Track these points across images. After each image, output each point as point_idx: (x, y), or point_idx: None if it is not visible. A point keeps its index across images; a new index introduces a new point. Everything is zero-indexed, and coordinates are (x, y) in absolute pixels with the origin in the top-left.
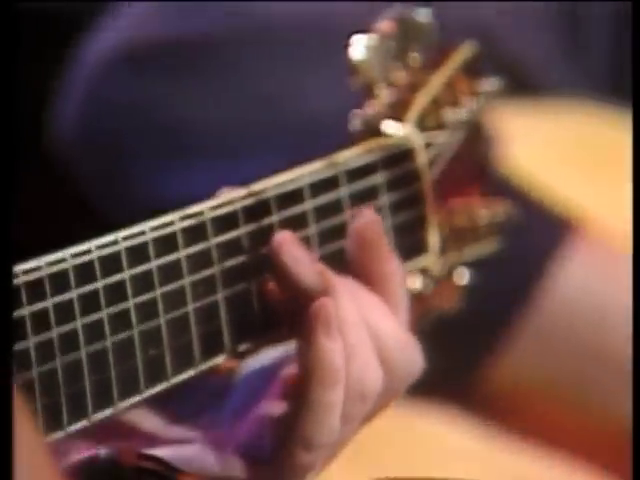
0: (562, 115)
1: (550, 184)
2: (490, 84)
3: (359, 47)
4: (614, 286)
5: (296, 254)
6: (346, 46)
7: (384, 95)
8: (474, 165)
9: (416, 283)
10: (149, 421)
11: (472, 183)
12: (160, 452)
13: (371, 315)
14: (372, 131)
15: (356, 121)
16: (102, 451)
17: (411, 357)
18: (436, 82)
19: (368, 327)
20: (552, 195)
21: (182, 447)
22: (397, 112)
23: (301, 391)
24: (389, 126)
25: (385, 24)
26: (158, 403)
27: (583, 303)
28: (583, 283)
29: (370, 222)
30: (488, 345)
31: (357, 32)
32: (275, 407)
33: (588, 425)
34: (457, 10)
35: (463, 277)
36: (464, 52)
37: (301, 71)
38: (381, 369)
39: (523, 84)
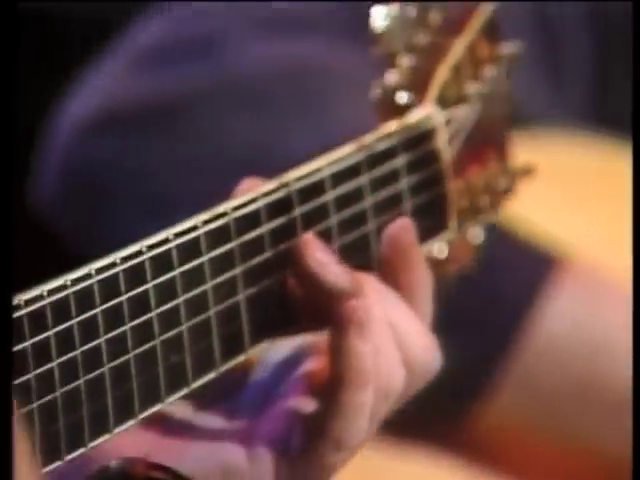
0: (546, 146)
1: (534, 217)
2: (511, 47)
3: (380, 17)
4: (604, 319)
5: (322, 258)
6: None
7: (405, 64)
8: (491, 130)
9: (431, 248)
10: (180, 410)
11: (489, 148)
12: (170, 462)
13: (395, 314)
14: (391, 102)
15: (376, 91)
16: (113, 462)
17: (431, 357)
18: (458, 47)
19: (392, 326)
20: (537, 229)
21: (196, 450)
22: (418, 82)
23: (332, 392)
24: (408, 104)
25: None
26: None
27: (572, 338)
28: (571, 318)
29: (404, 228)
30: (474, 390)
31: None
32: (303, 404)
33: (582, 463)
34: None
35: (478, 236)
36: (484, 13)
37: (279, 122)
38: (404, 369)
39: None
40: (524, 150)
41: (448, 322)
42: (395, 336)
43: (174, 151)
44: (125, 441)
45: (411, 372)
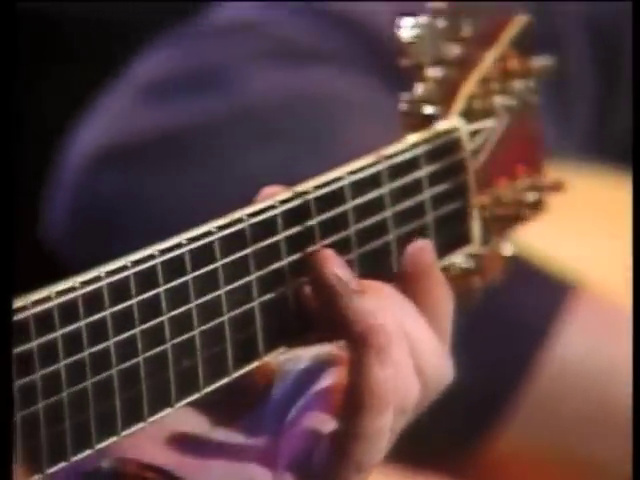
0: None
1: (547, 245)
2: (542, 61)
3: (408, 28)
4: (616, 346)
5: (340, 275)
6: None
7: (433, 76)
8: (521, 144)
9: (458, 259)
10: (199, 426)
11: (519, 162)
12: (163, 462)
13: (412, 327)
14: (417, 114)
15: (403, 104)
16: (105, 462)
17: (444, 370)
18: (488, 60)
19: (408, 338)
20: (550, 257)
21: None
22: (445, 95)
23: (352, 414)
24: (434, 115)
25: (437, 3)
26: (202, 405)
27: (587, 365)
28: (584, 344)
29: (423, 249)
30: (490, 414)
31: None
32: (324, 423)
33: None
34: None
35: (508, 249)
36: (516, 26)
37: (289, 151)
38: (418, 382)
39: None
40: None
41: (466, 346)
42: (411, 349)
43: (182, 183)
44: (145, 457)
45: (424, 385)
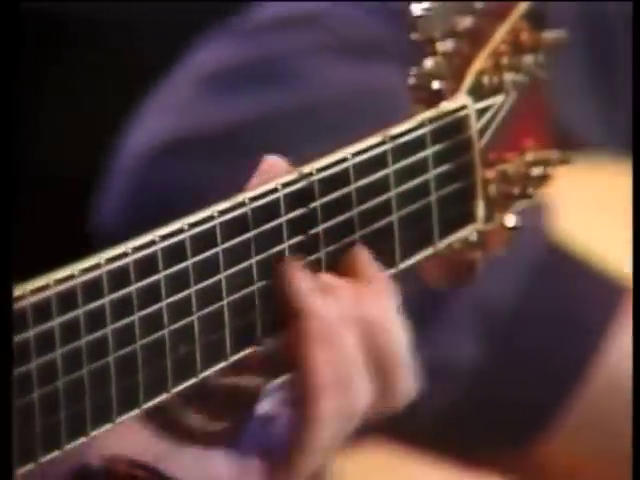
0: (607, 174)
1: (601, 246)
2: (554, 35)
3: (419, 2)
4: None
5: (302, 285)
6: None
7: (443, 50)
8: (530, 120)
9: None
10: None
11: (526, 137)
12: (152, 460)
13: (380, 326)
14: (426, 90)
15: (412, 78)
16: (94, 461)
17: (408, 377)
18: (499, 34)
19: (373, 337)
20: (603, 259)
21: (180, 454)
22: (455, 70)
23: (295, 400)
24: (443, 90)
25: None
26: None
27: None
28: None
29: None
30: (543, 418)
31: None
32: (279, 413)
33: None
34: None
35: (511, 221)
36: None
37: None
38: (373, 383)
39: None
40: (587, 178)
41: (523, 350)
42: (371, 346)
43: (244, 176)
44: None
45: (385, 391)
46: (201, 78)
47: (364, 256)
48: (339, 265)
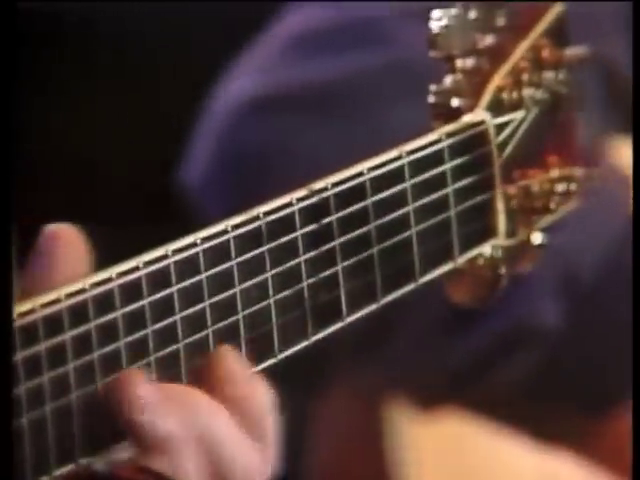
0: None
1: None
2: (577, 51)
3: (438, 19)
4: None
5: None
6: None
7: (463, 67)
8: (555, 136)
9: (485, 249)
10: None
11: (552, 153)
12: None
13: (212, 431)
14: (446, 106)
15: (431, 96)
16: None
17: (255, 472)
18: (519, 50)
19: (208, 443)
20: None
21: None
22: (475, 87)
23: None
24: (463, 107)
25: None
26: None
27: None
28: None
29: (227, 356)
30: (621, 390)
31: None
32: None
33: None
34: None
35: (538, 238)
36: (551, 15)
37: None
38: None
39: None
40: None
41: (605, 317)
42: (211, 453)
43: (326, 135)
44: None
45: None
46: (292, 39)
47: (229, 359)
48: (204, 367)
